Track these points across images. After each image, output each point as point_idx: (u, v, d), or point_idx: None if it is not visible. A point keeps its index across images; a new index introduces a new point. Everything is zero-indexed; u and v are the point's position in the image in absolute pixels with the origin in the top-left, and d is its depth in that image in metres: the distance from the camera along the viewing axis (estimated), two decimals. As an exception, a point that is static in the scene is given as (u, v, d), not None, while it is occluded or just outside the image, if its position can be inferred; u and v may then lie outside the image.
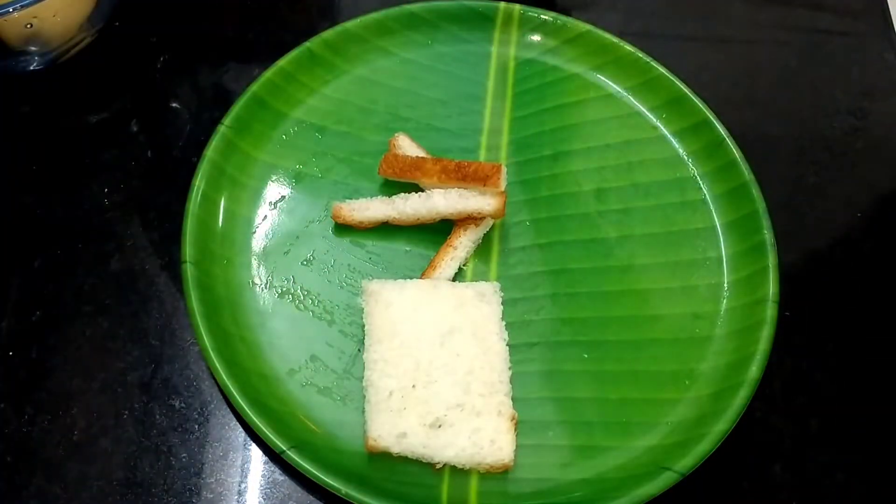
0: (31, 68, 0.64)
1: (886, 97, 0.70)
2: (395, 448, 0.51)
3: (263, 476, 0.53)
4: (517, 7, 0.70)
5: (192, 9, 0.72)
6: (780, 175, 0.66)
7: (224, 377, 0.53)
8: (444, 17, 0.68)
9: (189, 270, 0.56)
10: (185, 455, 0.54)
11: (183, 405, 0.55)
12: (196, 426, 0.55)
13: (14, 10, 0.56)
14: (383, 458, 0.52)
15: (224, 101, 0.64)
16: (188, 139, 0.65)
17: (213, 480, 0.53)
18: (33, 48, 0.62)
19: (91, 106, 0.67)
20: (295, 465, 0.51)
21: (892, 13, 0.71)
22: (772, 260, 0.58)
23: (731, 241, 0.61)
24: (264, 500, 0.53)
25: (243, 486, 0.53)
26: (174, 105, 0.68)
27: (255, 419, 0.52)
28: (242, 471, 0.54)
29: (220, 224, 0.60)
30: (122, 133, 0.66)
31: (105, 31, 0.67)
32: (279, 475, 0.53)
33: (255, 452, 0.54)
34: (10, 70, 0.64)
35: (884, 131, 0.68)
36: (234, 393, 0.52)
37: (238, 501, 0.53)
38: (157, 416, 0.55)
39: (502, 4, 0.69)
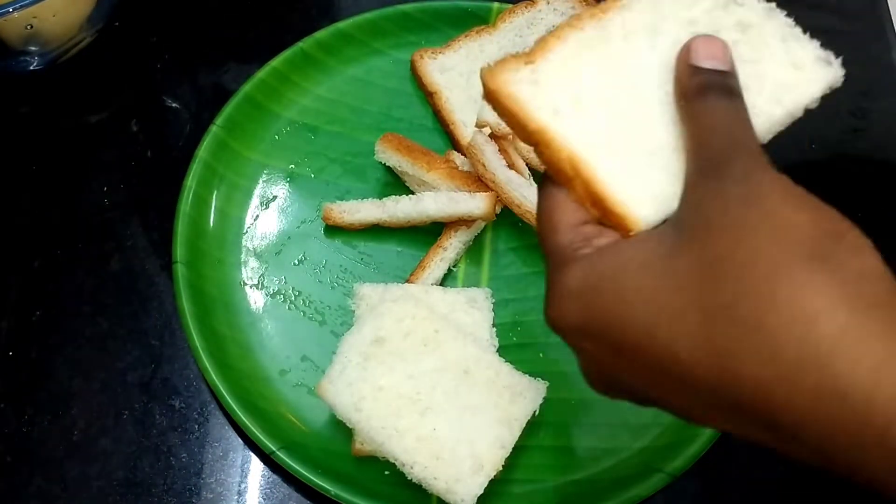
0: (31, 68, 0.64)
1: (886, 97, 0.69)
2: (381, 453, 0.51)
3: (263, 476, 0.54)
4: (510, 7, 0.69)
5: (192, 9, 0.72)
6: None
7: (214, 378, 0.53)
8: (438, 17, 0.68)
9: (180, 271, 0.57)
10: (185, 455, 0.54)
11: (183, 405, 0.56)
12: (196, 426, 0.55)
13: (14, 10, 0.56)
14: (374, 460, 0.52)
15: (224, 102, 0.64)
16: (188, 139, 0.65)
17: (213, 480, 0.53)
18: (33, 48, 0.63)
19: (91, 106, 0.67)
20: (285, 466, 0.51)
21: (892, 13, 0.70)
22: (765, 261, 0.58)
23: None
24: (264, 500, 0.53)
25: (243, 486, 0.53)
26: (174, 105, 0.68)
27: (244, 420, 0.52)
28: (242, 471, 0.54)
29: (212, 224, 0.60)
30: (121, 133, 0.66)
31: (105, 31, 0.67)
32: (279, 475, 0.53)
33: (255, 452, 0.54)
34: (10, 70, 0.65)
35: (884, 131, 0.67)
36: (225, 393, 0.53)
37: (238, 501, 0.53)
38: (157, 416, 0.55)
39: (495, 5, 0.69)
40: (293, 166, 0.63)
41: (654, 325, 0.31)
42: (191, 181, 0.60)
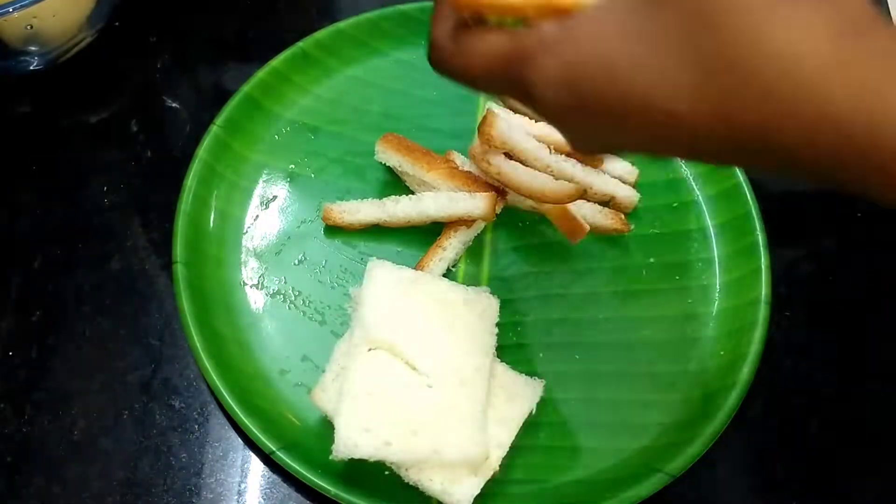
0: (31, 68, 0.64)
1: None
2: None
3: (263, 476, 0.54)
4: None
5: (191, 9, 0.72)
6: (781, 174, 0.65)
7: (214, 378, 0.53)
8: (438, 17, 0.68)
9: (180, 271, 0.57)
10: (185, 455, 0.54)
11: (183, 405, 0.56)
12: (196, 426, 0.55)
13: (14, 10, 0.56)
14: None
15: (224, 102, 0.64)
16: (188, 139, 0.65)
17: (213, 480, 0.53)
18: (33, 48, 0.62)
19: (91, 106, 0.67)
20: (285, 466, 0.51)
21: (892, 13, 0.70)
22: (764, 261, 0.58)
23: (723, 242, 0.61)
24: (264, 500, 0.53)
25: (243, 486, 0.53)
26: (174, 105, 0.68)
27: (244, 420, 0.52)
28: (242, 471, 0.54)
29: (212, 224, 0.60)
30: (121, 133, 0.66)
31: (105, 31, 0.67)
32: (279, 475, 0.53)
33: (255, 452, 0.54)
34: (10, 70, 0.65)
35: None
36: (225, 394, 0.53)
37: (238, 501, 0.53)
38: (157, 416, 0.55)
39: (496, 4, 0.69)
40: (293, 166, 0.63)
41: (652, 92, 0.32)
42: (191, 181, 0.60)
